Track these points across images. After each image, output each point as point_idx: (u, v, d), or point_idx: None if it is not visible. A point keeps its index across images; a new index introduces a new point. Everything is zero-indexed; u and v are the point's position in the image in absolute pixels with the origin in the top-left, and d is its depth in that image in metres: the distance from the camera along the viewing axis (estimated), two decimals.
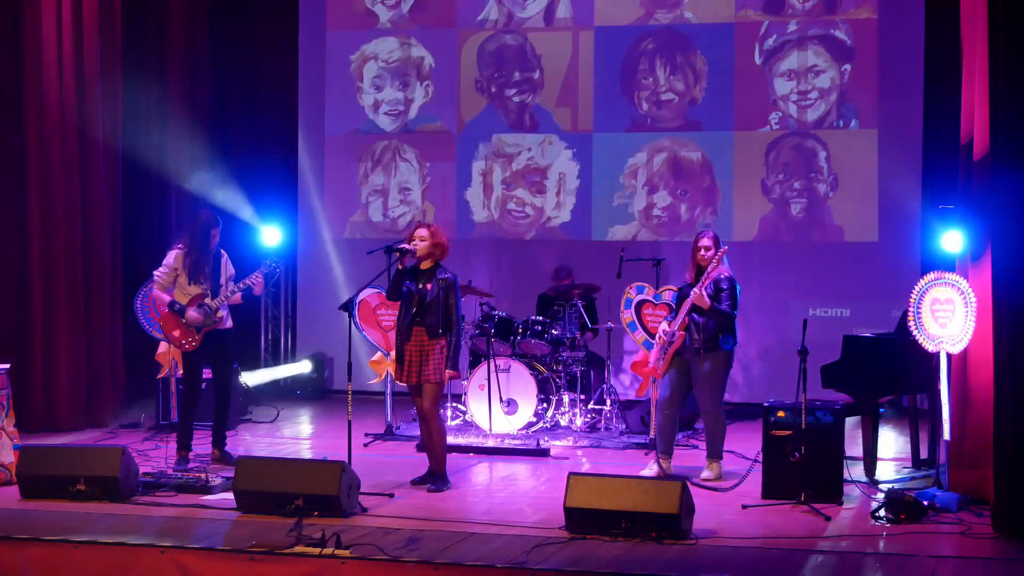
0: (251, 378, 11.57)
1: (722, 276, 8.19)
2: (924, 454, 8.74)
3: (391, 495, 7.69)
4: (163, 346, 10.19)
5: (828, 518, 7.13)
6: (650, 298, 9.84)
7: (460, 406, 10.38)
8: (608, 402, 10.48)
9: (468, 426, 10.20)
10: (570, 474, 6.88)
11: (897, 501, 7.06)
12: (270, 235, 12.71)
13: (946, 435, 7.42)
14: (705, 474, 8.26)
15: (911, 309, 7.53)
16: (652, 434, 9.23)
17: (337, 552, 6.22)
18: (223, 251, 8.96)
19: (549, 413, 10.16)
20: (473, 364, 10.41)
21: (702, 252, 8.24)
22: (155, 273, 8.84)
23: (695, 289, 8.12)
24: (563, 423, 10.30)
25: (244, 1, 12.94)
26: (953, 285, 7.31)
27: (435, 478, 8.00)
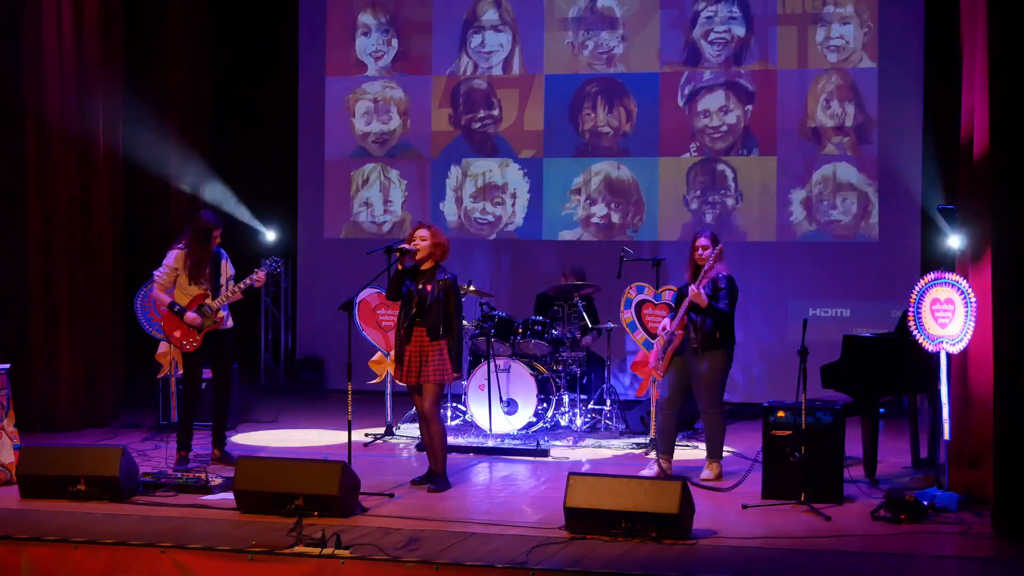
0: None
1: (720, 275, 8.19)
2: (924, 454, 8.74)
3: (391, 495, 7.69)
4: (163, 346, 10.18)
5: (828, 518, 7.12)
6: (650, 298, 9.84)
7: (460, 406, 10.38)
8: (608, 402, 10.48)
9: (468, 426, 10.20)
10: (570, 474, 6.87)
11: (897, 501, 7.06)
12: (269, 236, 12.77)
13: (946, 435, 7.41)
14: (705, 474, 8.25)
15: (911, 309, 7.52)
16: (652, 434, 9.23)
17: (337, 552, 6.21)
18: (223, 252, 8.95)
19: (549, 413, 10.16)
20: (473, 364, 10.40)
21: (699, 251, 8.25)
22: (155, 273, 8.83)
23: (692, 288, 8.11)
24: (563, 423, 10.31)
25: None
26: (953, 285, 7.31)
27: (435, 478, 8.00)
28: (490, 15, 12.18)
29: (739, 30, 11.82)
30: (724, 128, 11.80)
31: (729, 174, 11.83)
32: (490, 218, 12.30)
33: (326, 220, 13.21)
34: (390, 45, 12.46)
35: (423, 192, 12.61)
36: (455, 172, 12.47)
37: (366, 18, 12.61)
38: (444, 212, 12.62)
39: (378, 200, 12.75)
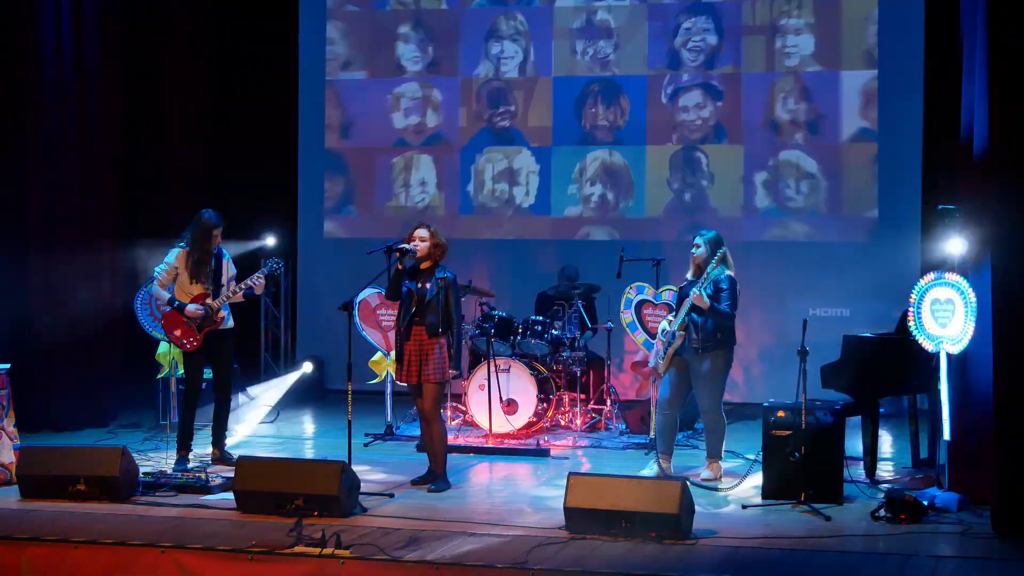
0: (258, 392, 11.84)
1: (722, 276, 8.19)
2: (924, 454, 8.73)
3: (391, 495, 7.70)
4: (163, 346, 10.18)
5: (828, 518, 7.12)
6: (650, 298, 9.85)
7: (460, 406, 10.38)
8: (608, 402, 10.48)
9: (468, 426, 10.20)
10: (570, 474, 6.87)
11: (897, 501, 7.06)
12: (269, 236, 12.77)
13: (946, 435, 7.41)
14: (705, 474, 8.25)
15: (911, 309, 7.52)
16: (652, 434, 9.23)
17: (337, 552, 6.22)
18: (225, 251, 8.95)
19: (549, 413, 10.16)
20: (473, 364, 10.41)
21: (692, 250, 8.27)
22: (156, 271, 8.82)
23: (694, 289, 8.11)
24: (563, 423, 10.30)
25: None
26: (953, 285, 7.31)
27: (435, 478, 8.00)
28: (507, 28, 13.76)
29: (712, 40, 13.19)
30: (699, 121, 13.14)
31: (703, 160, 13.09)
32: (507, 197, 13.70)
33: (326, 218, 13.46)
34: (425, 52, 13.95)
35: (452, 176, 13.88)
36: (479, 159, 13.79)
37: (405, 29, 14.04)
38: (471, 192, 13.81)
39: (416, 183, 14.05)
